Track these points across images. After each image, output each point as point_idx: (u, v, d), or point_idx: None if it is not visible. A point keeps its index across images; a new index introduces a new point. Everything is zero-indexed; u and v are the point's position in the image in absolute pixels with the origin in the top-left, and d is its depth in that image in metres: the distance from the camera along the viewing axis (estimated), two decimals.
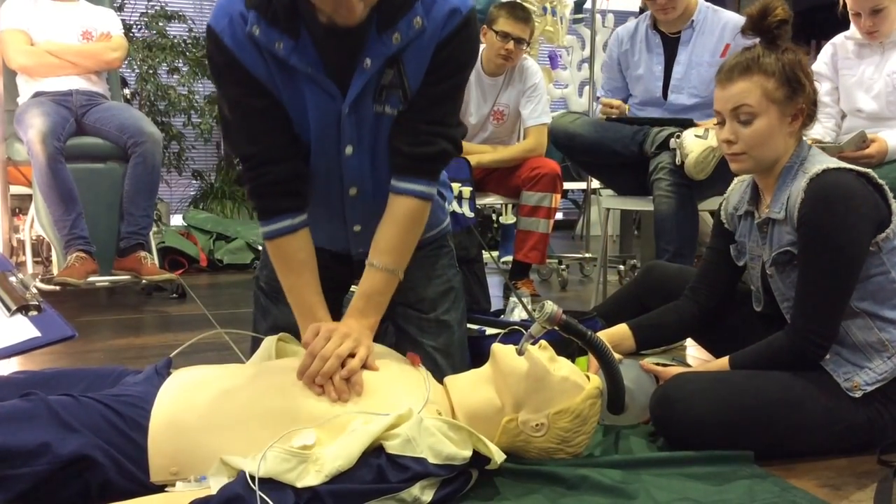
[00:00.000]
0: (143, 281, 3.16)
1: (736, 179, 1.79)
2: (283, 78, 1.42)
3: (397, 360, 1.49)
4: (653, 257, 2.65)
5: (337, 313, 1.61)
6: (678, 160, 2.50)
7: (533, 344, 1.41)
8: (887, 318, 1.52)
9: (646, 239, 3.47)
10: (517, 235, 3.32)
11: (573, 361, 1.53)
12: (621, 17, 5.79)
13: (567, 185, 4.68)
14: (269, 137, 1.47)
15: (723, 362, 1.60)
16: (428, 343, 1.65)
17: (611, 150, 2.72)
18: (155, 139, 3.15)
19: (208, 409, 1.27)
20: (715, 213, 1.82)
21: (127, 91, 3.88)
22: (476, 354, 1.83)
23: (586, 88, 4.98)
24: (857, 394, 1.50)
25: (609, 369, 1.46)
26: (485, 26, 3.24)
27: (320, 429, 1.23)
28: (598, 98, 3.06)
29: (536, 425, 1.36)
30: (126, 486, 1.20)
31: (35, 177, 2.98)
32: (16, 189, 3.30)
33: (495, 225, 5.05)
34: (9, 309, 1.64)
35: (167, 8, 5.30)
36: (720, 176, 2.30)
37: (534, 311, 1.74)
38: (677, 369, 1.64)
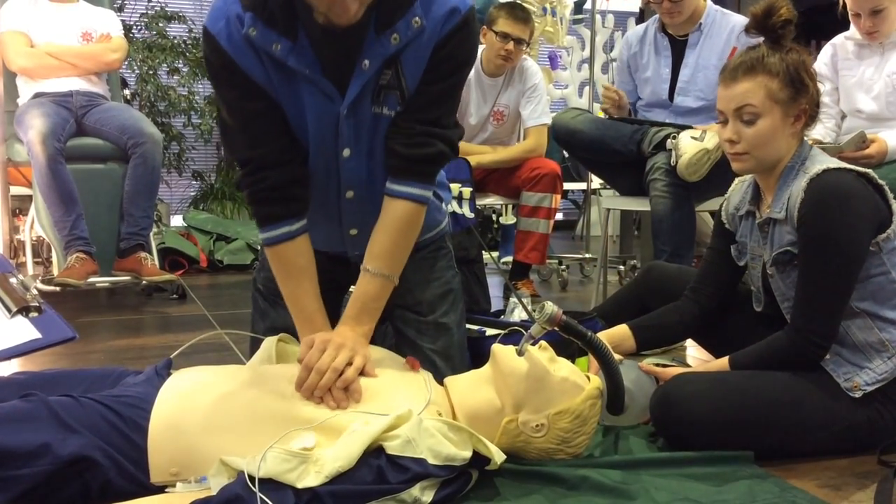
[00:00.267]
0: (144, 282, 3.16)
1: (737, 180, 1.79)
2: (280, 80, 1.41)
3: (396, 364, 1.49)
4: (653, 258, 2.65)
5: (336, 313, 1.61)
6: (673, 161, 2.50)
7: (533, 344, 1.41)
8: (887, 318, 1.52)
9: (646, 239, 3.47)
10: (517, 236, 3.32)
11: (573, 362, 1.53)
12: (621, 17, 5.81)
13: (567, 186, 4.69)
14: (267, 141, 1.46)
15: (723, 363, 1.60)
16: (427, 346, 1.64)
17: (611, 148, 2.72)
18: (155, 140, 3.15)
19: (208, 410, 1.27)
20: (715, 214, 1.82)
21: (127, 92, 3.88)
22: (476, 355, 1.83)
23: (586, 89, 4.98)
24: (858, 394, 1.50)
25: (609, 370, 1.46)
26: (484, 27, 3.24)
27: (320, 431, 1.23)
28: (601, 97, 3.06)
29: (536, 426, 1.36)
30: (126, 487, 1.20)
31: (35, 177, 2.98)
32: (16, 190, 3.30)
33: (495, 225, 5.05)
34: (9, 310, 1.65)
35: (167, 9, 5.31)
36: (720, 177, 2.30)
37: (534, 311, 1.74)
38: (677, 370, 1.64)
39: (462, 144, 3.07)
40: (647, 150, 2.63)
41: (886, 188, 1.53)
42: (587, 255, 4.35)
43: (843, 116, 2.49)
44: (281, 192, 1.48)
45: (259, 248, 3.99)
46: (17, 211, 3.64)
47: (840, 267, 1.49)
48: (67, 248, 2.96)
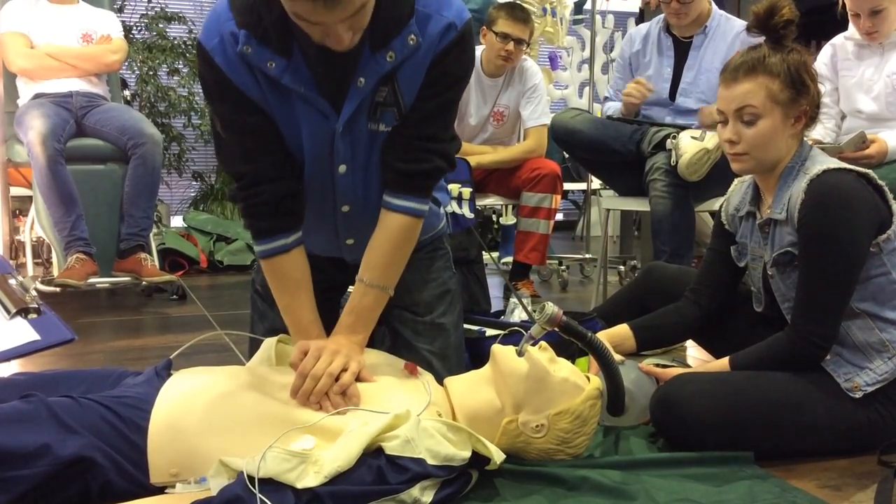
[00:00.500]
0: (144, 282, 3.16)
1: (736, 180, 1.79)
2: (275, 97, 1.40)
3: (394, 369, 1.48)
4: (653, 258, 2.65)
5: (334, 314, 1.60)
6: (673, 161, 2.50)
7: (533, 345, 1.41)
8: (888, 318, 1.52)
9: (646, 240, 3.47)
10: (517, 236, 3.32)
11: (573, 362, 1.53)
12: (621, 18, 5.81)
13: (567, 186, 4.68)
14: (262, 156, 1.45)
15: (723, 363, 1.60)
16: (423, 347, 1.64)
17: (610, 148, 2.72)
18: (155, 140, 3.15)
19: (208, 411, 1.27)
20: (715, 215, 1.82)
21: (127, 92, 3.89)
22: (476, 356, 1.83)
23: (586, 89, 4.98)
24: (858, 394, 1.50)
25: (609, 371, 1.46)
26: (484, 28, 3.24)
27: (319, 432, 1.23)
28: (605, 98, 3.05)
29: (536, 426, 1.36)
30: (126, 488, 1.20)
31: (35, 178, 2.98)
32: (16, 191, 3.30)
33: (495, 226, 5.05)
34: (8, 312, 1.64)
35: (167, 9, 5.31)
36: (719, 177, 2.30)
37: (534, 312, 1.74)
38: (677, 370, 1.64)
39: (462, 145, 3.08)
40: (647, 150, 2.63)
41: (886, 189, 1.53)
42: (587, 256, 4.35)
43: (843, 117, 2.49)
44: (276, 206, 1.47)
45: None
46: (17, 212, 3.64)
47: (840, 268, 1.49)
48: (67, 248, 2.96)
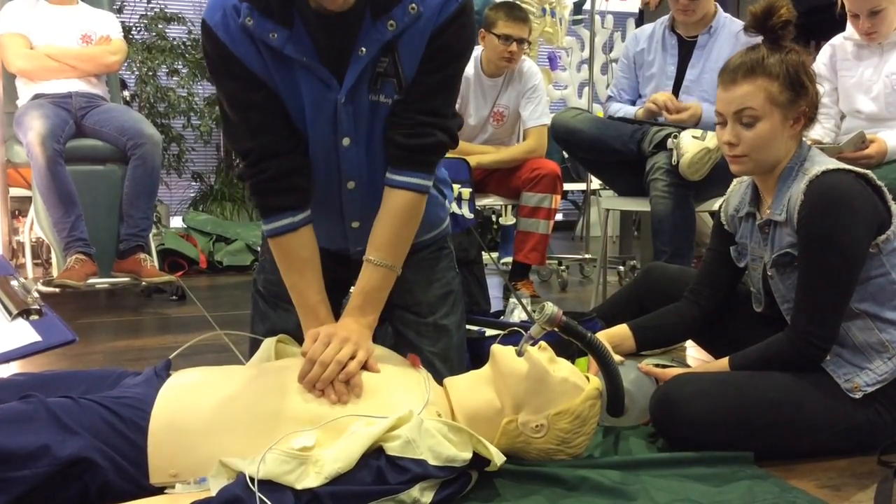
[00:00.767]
0: (143, 283, 3.16)
1: (735, 181, 1.79)
2: (278, 69, 1.42)
3: (397, 362, 1.49)
4: (652, 258, 2.65)
5: (336, 313, 1.60)
6: (674, 160, 2.50)
7: (532, 345, 1.41)
8: (888, 319, 1.52)
9: (646, 240, 3.47)
10: (517, 236, 3.32)
11: (573, 363, 1.53)
12: (620, 18, 5.81)
13: (567, 186, 4.69)
14: (267, 131, 1.46)
15: (723, 363, 1.60)
16: (426, 348, 1.64)
17: (610, 147, 2.72)
18: (154, 141, 3.15)
19: (208, 411, 1.27)
20: (715, 215, 1.82)
21: (126, 93, 3.89)
22: (476, 356, 1.82)
23: (586, 90, 4.98)
24: (858, 395, 1.50)
25: (608, 371, 1.46)
26: (483, 30, 3.24)
27: (320, 431, 1.23)
28: (609, 98, 3.05)
29: (536, 426, 1.36)
30: (125, 488, 1.20)
31: (34, 179, 2.98)
32: (15, 191, 3.30)
33: (495, 226, 5.05)
34: (10, 313, 1.64)
35: (166, 10, 5.31)
36: (719, 177, 2.30)
37: (533, 312, 1.74)
38: (677, 370, 1.64)
39: (462, 145, 3.08)
40: (648, 149, 2.63)
41: (885, 189, 1.53)
42: (587, 256, 4.35)
43: (843, 117, 2.49)
44: (282, 182, 1.48)
45: (259, 249, 4.00)
46: (17, 212, 3.64)
47: (840, 268, 1.49)
48: (67, 249, 2.96)
